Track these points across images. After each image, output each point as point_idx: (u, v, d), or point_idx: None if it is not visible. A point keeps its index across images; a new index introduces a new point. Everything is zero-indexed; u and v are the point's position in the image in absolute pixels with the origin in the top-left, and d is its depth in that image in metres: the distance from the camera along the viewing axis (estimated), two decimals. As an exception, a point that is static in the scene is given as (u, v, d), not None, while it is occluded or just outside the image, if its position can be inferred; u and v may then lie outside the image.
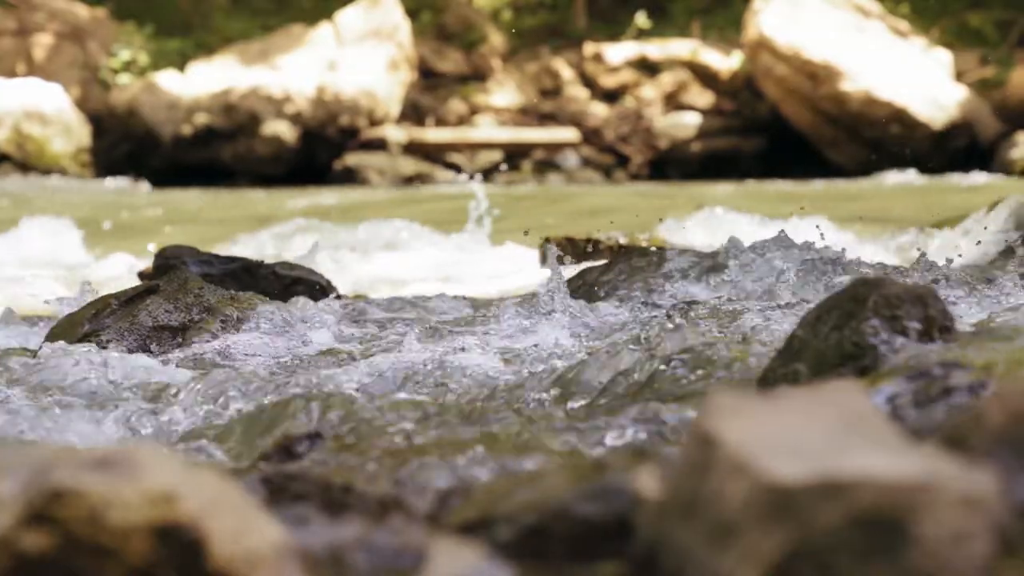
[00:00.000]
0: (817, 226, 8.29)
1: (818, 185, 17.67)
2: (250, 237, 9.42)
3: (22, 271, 7.89)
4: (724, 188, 17.02)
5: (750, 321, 3.27)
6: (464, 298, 4.67)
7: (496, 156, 21.20)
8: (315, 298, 4.36)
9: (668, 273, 4.30)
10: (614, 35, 23.20)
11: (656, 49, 22.31)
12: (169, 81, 20.83)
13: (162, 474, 1.27)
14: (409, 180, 20.42)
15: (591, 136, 21.57)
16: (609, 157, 21.42)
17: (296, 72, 20.67)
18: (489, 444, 2.25)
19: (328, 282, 4.68)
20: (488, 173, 20.97)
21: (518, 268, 6.96)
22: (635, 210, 13.09)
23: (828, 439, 1.30)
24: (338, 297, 4.56)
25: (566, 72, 22.58)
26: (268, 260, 4.80)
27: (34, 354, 3.74)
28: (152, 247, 7.25)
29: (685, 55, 22.17)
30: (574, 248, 6.24)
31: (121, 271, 7.41)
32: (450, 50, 22.91)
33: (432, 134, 21.26)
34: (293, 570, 1.28)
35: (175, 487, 1.25)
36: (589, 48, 22.71)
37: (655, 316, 3.74)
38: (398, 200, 15.91)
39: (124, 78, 21.55)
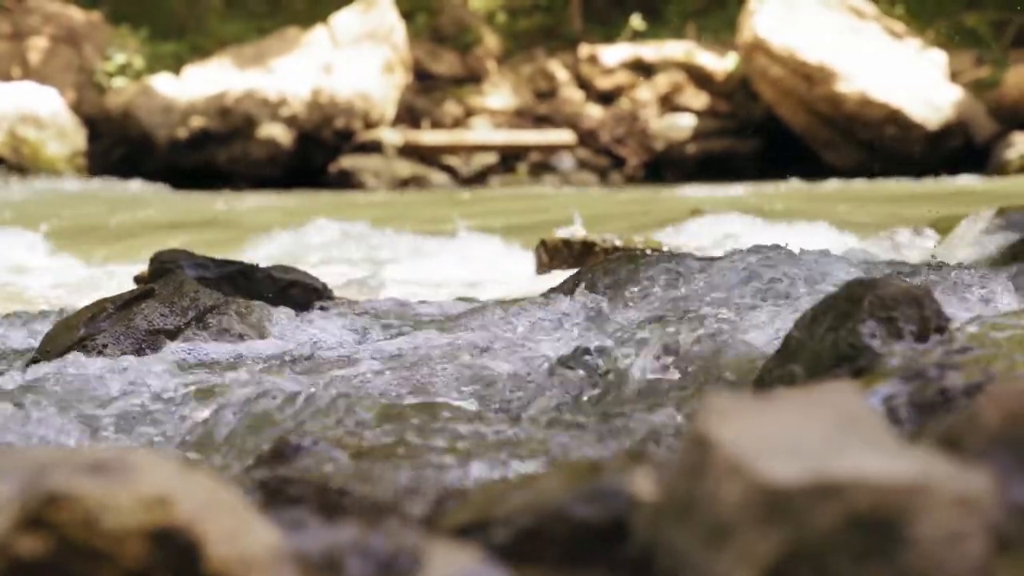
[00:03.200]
0: (813, 227, 8.30)
1: (814, 186, 17.68)
2: (246, 240, 9.42)
3: (17, 274, 7.88)
4: (720, 190, 17.02)
5: (746, 322, 3.27)
6: (459, 300, 4.67)
7: (491, 158, 21.20)
8: (311, 301, 4.36)
9: (664, 275, 4.30)
10: (609, 37, 23.21)
11: (651, 51, 22.32)
12: (164, 84, 20.82)
13: (157, 478, 1.26)
14: (405, 183, 20.42)
15: (587, 138, 21.58)
16: (605, 159, 21.43)
17: (291, 75, 20.67)
18: (485, 446, 2.25)
19: (324, 285, 4.67)
20: (483, 175, 20.98)
21: (513, 270, 6.96)
22: (631, 212, 13.09)
23: (824, 440, 1.30)
24: (333, 300, 4.56)
25: (561, 74, 22.58)
26: (264, 263, 4.80)
27: (29, 358, 3.74)
28: (148, 251, 7.25)
29: (680, 57, 22.17)
30: (570, 250, 6.24)
31: (117, 275, 7.41)
32: (445, 52, 22.91)
33: (427, 136, 21.26)
34: (288, 573, 1.28)
35: (170, 490, 1.25)
36: (584, 50, 22.72)
37: (651, 318, 3.74)
38: (394, 202, 15.92)
39: (119, 81, 21.54)
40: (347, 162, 20.65)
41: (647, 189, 18.43)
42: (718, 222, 8.56)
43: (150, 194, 18.23)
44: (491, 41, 23.12)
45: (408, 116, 21.73)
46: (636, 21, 23.16)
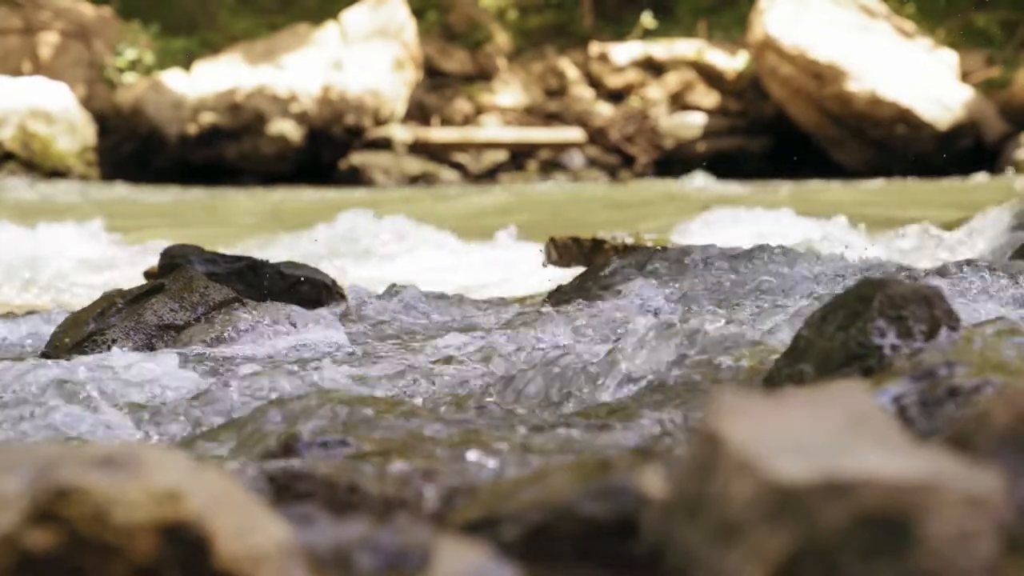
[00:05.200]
0: (823, 226, 8.29)
1: (823, 185, 17.67)
2: (255, 236, 9.43)
3: (27, 269, 7.89)
4: (729, 188, 17.01)
5: (755, 321, 3.26)
6: (468, 297, 4.68)
7: (501, 156, 21.21)
8: (320, 297, 4.37)
9: (673, 273, 4.30)
10: (620, 35, 23.20)
11: (662, 49, 22.31)
12: (174, 80, 20.84)
13: (167, 472, 1.27)
14: (414, 180, 20.43)
15: (596, 136, 21.57)
16: (614, 157, 21.43)
17: (301, 71, 20.68)
18: (494, 443, 2.25)
19: (333, 281, 4.68)
20: (493, 173, 20.99)
21: (523, 268, 6.96)
22: (640, 210, 13.09)
23: (833, 439, 1.30)
24: (342, 297, 4.56)
25: (571, 72, 22.58)
26: (273, 259, 4.80)
27: (39, 352, 3.74)
28: (157, 246, 7.24)
29: (691, 55, 22.16)
30: (579, 248, 6.23)
31: (126, 270, 7.42)
32: (455, 49, 22.92)
33: (437, 134, 21.26)
34: (298, 569, 1.28)
35: (180, 485, 1.26)
36: (595, 48, 22.71)
37: (660, 316, 3.74)
38: (403, 199, 15.92)
39: (129, 77, 21.56)
40: (357, 159, 20.67)
41: (656, 186, 18.42)
42: (727, 220, 8.56)
43: (158, 189, 18.26)
44: (501, 38, 23.13)
45: (418, 113, 21.74)
46: (647, 19, 23.15)
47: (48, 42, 21.77)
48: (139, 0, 22.87)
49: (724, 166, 20.33)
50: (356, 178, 20.32)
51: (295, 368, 3.30)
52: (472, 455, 2.15)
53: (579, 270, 5.00)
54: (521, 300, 4.60)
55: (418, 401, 2.77)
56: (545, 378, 2.95)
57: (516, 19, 23.89)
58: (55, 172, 19.92)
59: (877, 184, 17.63)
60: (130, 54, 21.82)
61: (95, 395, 3.06)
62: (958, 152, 19.66)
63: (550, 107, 22.13)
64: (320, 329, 3.82)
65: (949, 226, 7.31)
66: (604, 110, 21.91)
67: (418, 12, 22.31)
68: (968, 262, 4.00)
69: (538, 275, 6.35)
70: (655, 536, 1.36)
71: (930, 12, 22.28)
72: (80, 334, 3.73)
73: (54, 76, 21.01)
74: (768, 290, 4.08)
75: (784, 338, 2.86)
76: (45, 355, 3.64)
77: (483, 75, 22.68)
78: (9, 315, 4.32)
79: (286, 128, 20.32)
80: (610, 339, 3.41)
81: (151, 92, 20.74)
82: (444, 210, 12.60)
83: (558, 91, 22.47)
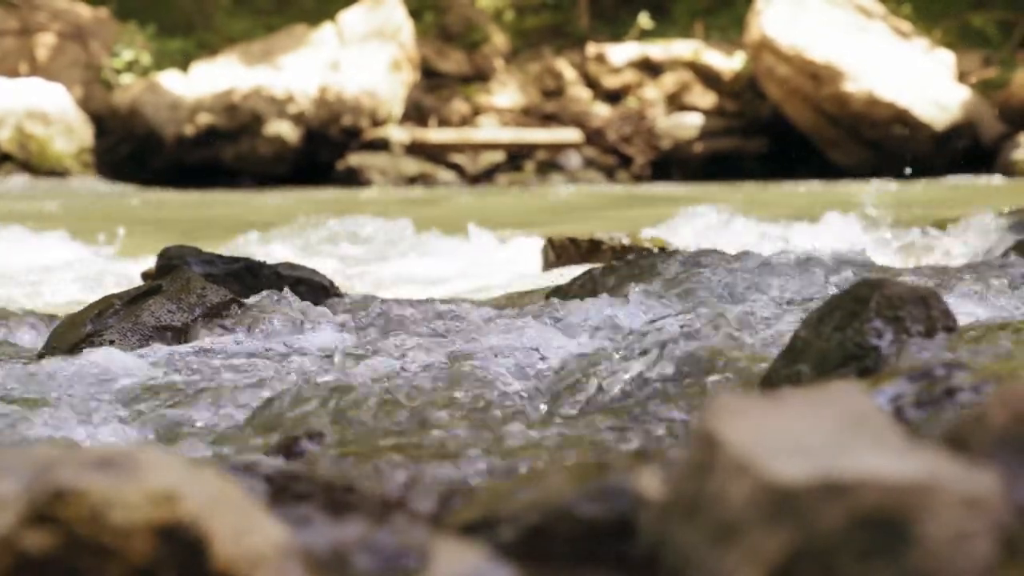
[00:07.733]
0: (820, 226, 8.29)
1: (820, 186, 17.67)
2: (253, 237, 9.42)
3: (25, 271, 7.89)
4: (726, 189, 17.02)
5: (753, 322, 3.26)
6: (466, 299, 4.67)
7: (498, 156, 21.20)
8: (317, 299, 4.36)
9: (671, 274, 4.30)
10: (617, 35, 23.20)
11: (659, 50, 22.31)
12: (171, 81, 20.83)
13: (164, 474, 1.27)
14: (411, 180, 20.43)
15: (593, 137, 21.57)
16: (611, 158, 21.42)
17: (299, 72, 20.67)
18: (491, 445, 2.25)
19: (331, 283, 4.67)
20: (491, 174, 20.99)
21: (520, 269, 6.96)
22: (638, 211, 13.10)
23: (831, 440, 1.30)
24: (340, 298, 4.56)
25: (568, 72, 22.58)
26: (271, 260, 4.80)
27: (36, 354, 3.74)
28: (154, 247, 7.23)
29: (687, 56, 22.16)
30: (577, 249, 6.24)
31: (124, 271, 7.41)
32: (452, 50, 22.91)
33: (434, 134, 21.26)
34: (295, 570, 1.28)
35: (177, 487, 1.26)
36: (592, 48, 22.71)
37: (657, 317, 3.74)
38: (400, 200, 15.93)
39: (126, 78, 21.55)
40: (354, 160, 20.66)
41: (654, 187, 18.43)
42: (725, 221, 8.55)
43: (155, 191, 18.25)
44: (498, 39, 23.13)
45: (415, 114, 21.73)
46: (644, 20, 23.15)
47: (45, 43, 21.76)
48: (136, 1, 22.86)
49: (721, 166, 20.34)
50: (353, 179, 20.32)
51: (293, 369, 3.30)
52: (470, 456, 2.15)
53: (577, 270, 5.01)
54: (519, 301, 4.59)
55: (415, 402, 2.77)
56: (542, 379, 2.95)
57: (513, 20, 23.89)
58: (52, 173, 19.91)
59: (874, 184, 17.63)
60: (127, 55, 21.80)
61: (92, 397, 3.06)
62: (955, 153, 19.66)
63: (547, 108, 22.13)
64: (318, 330, 3.82)
65: (945, 226, 7.31)
66: (601, 111, 21.90)
67: (415, 13, 22.30)
68: (964, 262, 4.00)
69: (536, 276, 6.35)
70: (653, 537, 1.36)
71: (927, 12, 22.28)
72: (77, 335, 3.73)
73: (51, 77, 21.00)
74: (765, 291, 4.08)
75: (782, 338, 2.86)
76: (41, 356, 3.63)
77: (480, 76, 22.68)
78: (6, 317, 4.31)
79: (283, 129, 20.31)
80: (607, 340, 3.41)
81: (148, 93, 20.73)
82: (442, 210, 12.62)
83: (555, 92, 22.47)
